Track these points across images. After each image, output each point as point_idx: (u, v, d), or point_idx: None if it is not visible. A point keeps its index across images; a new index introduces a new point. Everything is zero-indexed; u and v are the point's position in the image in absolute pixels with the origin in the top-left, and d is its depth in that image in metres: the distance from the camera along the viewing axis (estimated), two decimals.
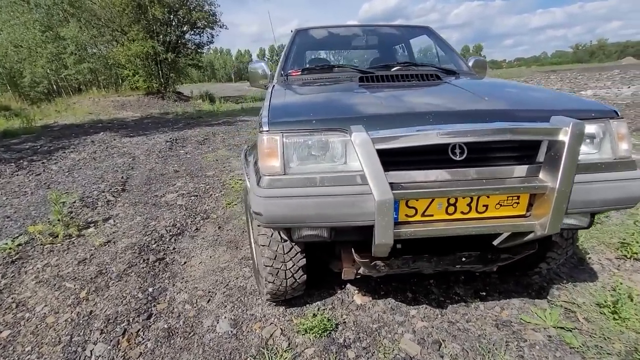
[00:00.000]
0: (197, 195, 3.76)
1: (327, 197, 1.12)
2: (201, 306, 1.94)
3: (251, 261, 2.32)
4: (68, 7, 15.92)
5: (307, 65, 2.37)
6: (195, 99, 18.16)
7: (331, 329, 1.66)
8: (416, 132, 1.07)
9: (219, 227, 2.96)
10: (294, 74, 2.19)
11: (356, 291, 1.96)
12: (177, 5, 17.22)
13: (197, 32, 19.02)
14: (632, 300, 1.67)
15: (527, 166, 1.17)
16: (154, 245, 2.65)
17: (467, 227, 1.14)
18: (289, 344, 1.62)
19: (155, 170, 4.97)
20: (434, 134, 1.06)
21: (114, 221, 3.16)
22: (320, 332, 1.63)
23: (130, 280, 2.21)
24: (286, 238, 1.56)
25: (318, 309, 1.83)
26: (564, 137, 1.05)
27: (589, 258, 2.17)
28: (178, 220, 3.11)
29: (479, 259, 1.36)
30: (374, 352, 1.54)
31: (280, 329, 1.71)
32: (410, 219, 1.15)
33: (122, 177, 4.58)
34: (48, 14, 16.39)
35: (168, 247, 2.63)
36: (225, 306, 1.92)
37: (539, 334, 1.57)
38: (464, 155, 1.13)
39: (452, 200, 1.14)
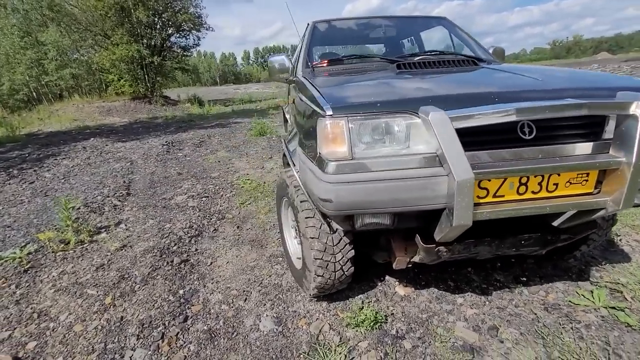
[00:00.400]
0: (207, 197, 3.67)
1: (399, 181, 1.08)
2: (239, 306, 1.87)
3: (281, 258, 2.27)
4: (47, 12, 15.41)
5: (330, 57, 2.33)
6: (184, 102, 17.86)
7: (382, 321, 1.62)
8: (495, 109, 1.05)
9: (238, 227, 2.89)
10: (319, 65, 2.16)
11: (397, 282, 1.93)
12: (161, 8, 16.91)
13: (182, 34, 18.73)
14: None
15: (592, 143, 1.17)
16: (174, 248, 2.55)
17: (540, 206, 1.12)
18: (341, 338, 1.57)
19: (156, 173, 4.83)
20: (512, 110, 1.04)
21: (126, 225, 3.05)
22: (371, 324, 1.59)
23: (157, 283, 2.12)
24: (335, 229, 1.52)
25: (362, 302, 1.79)
26: (637, 111, 1.05)
27: (619, 240, 2.21)
28: (193, 221, 3.02)
29: (538, 240, 1.35)
30: (430, 342, 1.51)
31: (328, 324, 1.66)
32: (481, 201, 1.13)
33: (124, 182, 4.43)
34: (26, 18, 15.84)
35: (190, 249, 2.54)
36: (264, 304, 1.86)
37: (591, 315, 1.57)
38: (533, 134, 1.12)
39: (523, 180, 1.12)
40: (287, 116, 4.20)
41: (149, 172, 4.90)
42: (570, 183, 1.15)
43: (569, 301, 1.67)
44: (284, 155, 2.06)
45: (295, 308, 1.81)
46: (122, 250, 2.59)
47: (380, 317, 1.63)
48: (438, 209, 1.13)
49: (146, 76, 17.06)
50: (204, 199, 3.60)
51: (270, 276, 2.12)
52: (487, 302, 1.73)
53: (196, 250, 2.52)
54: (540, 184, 1.14)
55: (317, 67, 2.12)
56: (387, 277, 1.98)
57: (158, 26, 17.72)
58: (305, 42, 2.35)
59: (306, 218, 1.51)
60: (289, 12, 2.37)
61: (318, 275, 1.55)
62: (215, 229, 2.87)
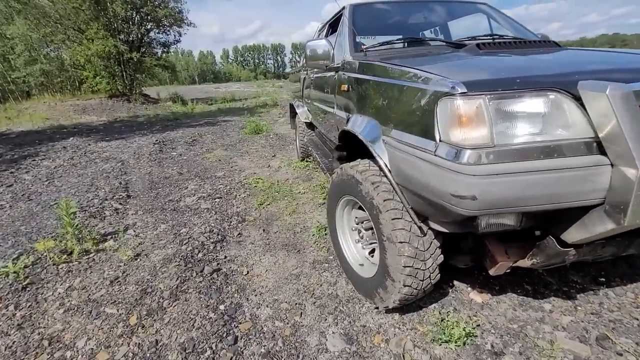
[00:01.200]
0: (220, 197, 3.36)
1: (558, 172, 0.89)
2: (295, 322, 1.63)
3: (327, 264, 2.03)
4: (14, 3, 14.28)
5: (379, 42, 2.11)
6: (165, 100, 17.12)
7: (473, 334, 1.43)
8: None
9: (264, 230, 2.62)
10: (371, 49, 1.94)
11: (469, 289, 1.75)
12: (139, 1, 16.10)
13: (163, 30, 17.94)
14: None
15: None
16: (199, 255, 2.26)
17: None
18: (430, 357, 1.36)
19: (154, 174, 4.45)
20: None
21: (135, 231, 2.70)
22: (463, 339, 1.39)
23: (191, 298, 1.84)
24: (425, 232, 1.32)
25: (440, 313, 1.59)
26: None
27: None
28: (212, 225, 2.72)
29: None
30: (534, 357, 1.33)
31: (410, 340, 1.45)
32: None
33: (120, 183, 4.03)
34: None
35: (217, 256, 2.25)
36: (325, 319, 1.62)
37: None
38: None
39: None
40: (300, 110, 3.95)
41: (145, 173, 4.51)
42: None
43: None
44: (338, 148, 1.83)
45: (364, 322, 1.59)
46: (136, 259, 2.27)
47: (471, 330, 1.43)
48: (588, 206, 0.95)
49: (124, 73, 16.21)
50: (217, 200, 3.29)
51: (321, 285, 1.88)
52: (577, 308, 1.57)
53: (225, 257, 2.24)
54: None
55: (370, 51, 1.91)
56: (456, 283, 1.79)
57: (136, 20, 16.87)
58: (348, 26, 2.12)
59: (393, 219, 1.29)
60: None
61: (406, 285, 1.33)
62: (239, 233, 2.58)
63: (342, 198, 1.70)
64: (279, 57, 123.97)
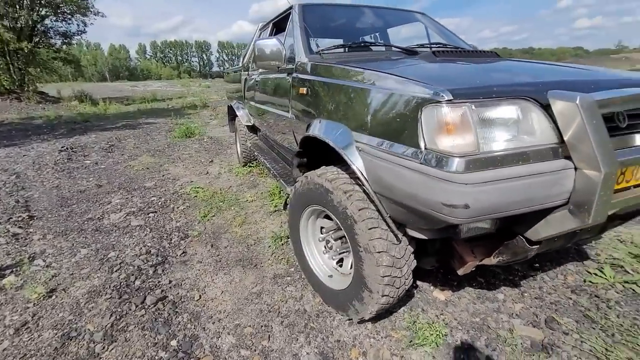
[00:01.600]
0: (155, 211, 2.97)
1: (535, 177, 0.93)
2: (263, 347, 1.48)
3: (289, 277, 1.92)
4: None
5: (332, 44, 2.06)
6: (69, 100, 14.77)
7: (445, 333, 1.46)
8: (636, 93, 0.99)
9: (212, 246, 2.38)
10: (327, 51, 1.88)
11: (432, 287, 1.80)
12: None
13: (62, 18, 15.48)
14: None
15: None
16: (136, 283, 1.93)
17: None
18: None
19: (64, 187, 3.76)
20: None
21: (45, 260, 2.21)
22: (436, 339, 1.42)
23: (132, 337, 1.55)
24: (400, 239, 1.30)
25: (410, 316, 1.60)
26: None
27: None
28: (149, 245, 2.38)
29: (596, 227, 1.35)
30: (500, 347, 1.41)
31: (387, 349, 1.42)
32: None
33: (17, 201, 3.30)
34: None
35: (160, 282, 1.96)
36: (297, 339, 1.51)
37: (612, 292, 1.70)
38: (626, 122, 1.10)
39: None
40: (241, 112, 3.73)
41: (51, 187, 3.78)
42: None
43: (589, 281, 1.79)
44: (298, 154, 1.72)
45: (337, 337, 1.51)
46: (51, 296, 1.85)
47: (443, 330, 1.47)
48: (553, 207, 1.02)
49: (11, 66, 13.55)
50: (150, 215, 2.90)
51: (286, 302, 1.75)
52: (523, 294, 1.73)
53: (170, 282, 1.96)
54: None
55: (326, 53, 1.84)
56: (419, 283, 1.83)
57: (25, 4, 14.22)
58: (300, 26, 2.03)
59: (370, 229, 1.24)
60: None
61: (384, 295, 1.30)
62: (183, 252, 2.30)
63: (308, 208, 1.60)
64: (204, 55, 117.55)
